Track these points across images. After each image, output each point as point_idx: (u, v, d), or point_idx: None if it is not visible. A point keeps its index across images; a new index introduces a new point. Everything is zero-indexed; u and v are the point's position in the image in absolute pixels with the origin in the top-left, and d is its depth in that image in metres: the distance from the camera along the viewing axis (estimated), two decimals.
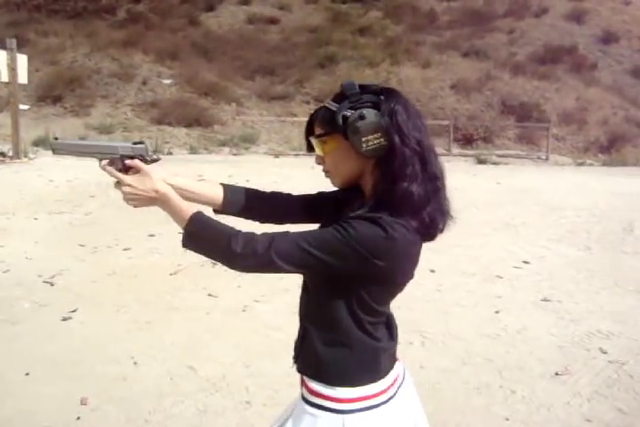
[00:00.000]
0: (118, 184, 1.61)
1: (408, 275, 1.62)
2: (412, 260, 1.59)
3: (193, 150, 16.97)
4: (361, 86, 1.56)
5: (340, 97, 1.56)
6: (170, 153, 16.56)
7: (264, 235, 1.52)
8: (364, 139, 1.49)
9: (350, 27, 27.97)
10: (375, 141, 1.49)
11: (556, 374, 3.96)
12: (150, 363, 3.91)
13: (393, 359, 1.71)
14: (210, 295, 5.16)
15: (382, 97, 1.53)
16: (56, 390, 3.52)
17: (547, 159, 18.63)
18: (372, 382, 1.62)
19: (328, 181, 1.68)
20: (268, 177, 11.60)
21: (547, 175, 14.95)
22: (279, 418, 1.79)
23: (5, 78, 12.49)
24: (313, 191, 1.91)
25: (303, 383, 1.69)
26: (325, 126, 1.59)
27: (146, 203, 1.62)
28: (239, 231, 1.53)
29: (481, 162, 16.78)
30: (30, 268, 5.91)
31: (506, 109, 22.93)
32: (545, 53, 26.32)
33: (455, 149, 19.29)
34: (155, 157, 1.67)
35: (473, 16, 29.26)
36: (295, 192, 1.93)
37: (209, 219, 1.58)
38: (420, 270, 5.44)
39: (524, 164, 17.33)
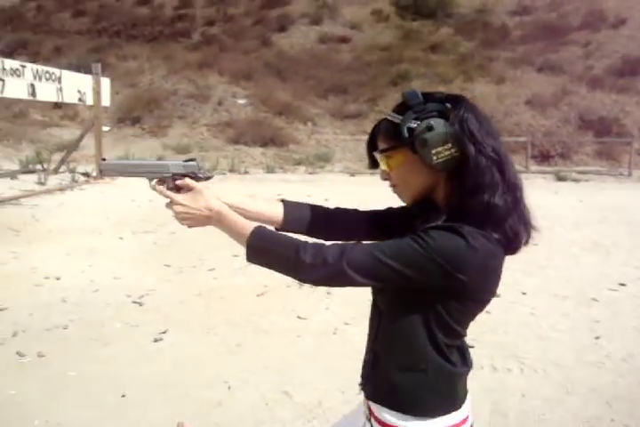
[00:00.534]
0: (170, 204, 1.56)
1: (490, 290, 1.50)
2: (494, 273, 1.47)
3: (269, 169, 17.10)
4: (424, 95, 1.46)
5: (402, 108, 1.47)
6: (246, 172, 16.76)
7: (335, 245, 1.45)
8: (434, 151, 1.40)
9: (422, 44, 27.88)
10: (446, 153, 1.40)
11: None
12: (244, 388, 3.86)
13: (466, 387, 1.61)
14: (299, 318, 5.10)
15: (449, 104, 1.43)
16: (153, 414, 3.51)
17: (629, 175, 17.96)
18: (447, 412, 1.52)
19: None
20: (346, 195, 11.55)
21: (631, 192, 14.40)
22: None
23: (90, 101, 12.92)
24: None
25: (371, 413, 1.59)
26: (390, 140, 1.49)
27: (200, 222, 1.56)
28: (306, 241, 1.46)
29: (560, 179, 16.30)
30: (118, 288, 5.99)
31: (584, 124, 22.27)
32: (623, 66, 25.49)
33: (533, 166, 18.83)
34: (208, 174, 1.61)
35: (546, 30, 28.68)
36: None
37: (272, 232, 1.53)
38: (512, 292, 5.33)
39: (606, 180, 16.75)
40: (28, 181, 11.77)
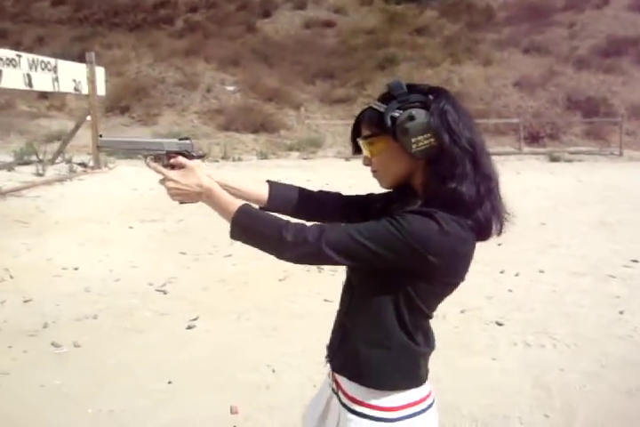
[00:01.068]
0: (163, 180, 1.60)
1: (459, 274, 1.56)
2: (464, 257, 1.54)
3: (263, 156, 17.06)
4: (408, 86, 1.53)
5: (387, 97, 1.54)
6: (239, 159, 16.70)
7: (315, 225, 1.51)
8: (413, 140, 1.47)
9: (407, 27, 27.80)
10: (425, 142, 1.47)
11: None
12: (289, 370, 3.89)
13: (427, 367, 1.67)
14: (326, 300, 5.12)
15: (431, 96, 1.50)
16: (203, 399, 3.53)
17: (620, 155, 18.11)
18: (407, 388, 1.59)
19: None
20: (345, 180, 11.53)
21: (626, 171, 14.54)
22: (313, 408, 1.81)
23: (85, 91, 12.78)
24: None
25: (339, 386, 1.66)
26: (373, 127, 1.56)
27: (191, 198, 1.61)
28: (289, 221, 1.52)
29: (554, 159, 16.42)
30: (139, 276, 5.98)
31: (572, 105, 22.39)
32: (609, 46, 25.57)
33: (525, 148, 18.92)
34: (201, 152, 1.67)
35: (530, 11, 28.67)
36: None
37: (257, 210, 1.59)
38: (530, 271, 5.42)
39: (598, 160, 16.91)
40: (26, 173, 11.64)
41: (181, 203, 1.65)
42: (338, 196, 1.87)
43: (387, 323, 1.55)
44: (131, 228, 8.03)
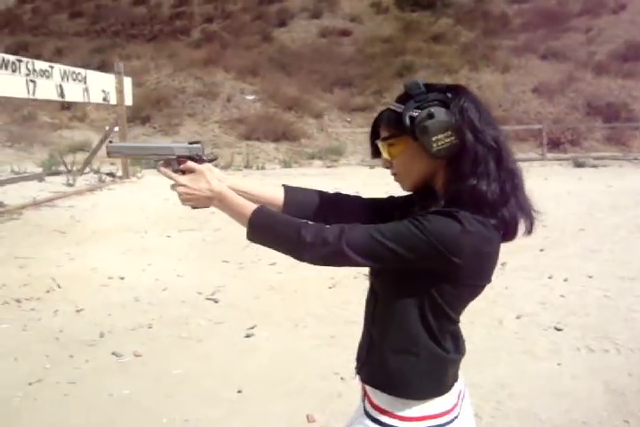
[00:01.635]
0: (174, 186, 1.58)
1: (484, 276, 1.52)
2: (488, 259, 1.49)
3: (286, 164, 17.07)
4: (426, 85, 1.49)
5: (404, 97, 1.50)
6: (263, 168, 16.72)
7: (335, 225, 1.47)
8: (434, 138, 1.43)
9: (423, 35, 27.85)
10: (446, 140, 1.43)
11: None
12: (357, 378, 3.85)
13: (456, 375, 1.62)
14: None
15: (449, 94, 1.45)
16: (277, 408, 3.50)
17: None
18: (436, 395, 1.54)
19: None
20: (374, 187, 11.50)
21: None
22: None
23: (114, 101, 12.86)
24: None
25: (366, 395, 1.62)
26: (392, 129, 1.52)
27: (202, 203, 1.58)
28: (307, 222, 1.49)
29: (579, 165, 16.32)
30: (186, 285, 5.97)
31: (592, 111, 22.31)
32: (627, 51, 25.45)
33: (547, 153, 18.85)
34: (212, 156, 1.64)
35: (546, 17, 28.63)
36: None
37: (274, 211, 1.56)
38: (578, 276, 5.36)
39: (623, 165, 16.78)
40: (56, 183, 11.70)
41: (194, 208, 1.62)
42: (357, 199, 1.82)
43: (412, 329, 1.51)
44: (168, 237, 8.04)
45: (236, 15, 30.50)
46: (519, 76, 24.12)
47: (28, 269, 6.47)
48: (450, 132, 1.42)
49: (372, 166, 15.41)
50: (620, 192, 11.47)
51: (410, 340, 1.52)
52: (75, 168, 12.76)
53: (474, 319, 4.86)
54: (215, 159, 1.64)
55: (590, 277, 6.08)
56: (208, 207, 1.60)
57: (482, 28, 28.34)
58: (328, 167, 17.14)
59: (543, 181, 12.82)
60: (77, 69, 11.69)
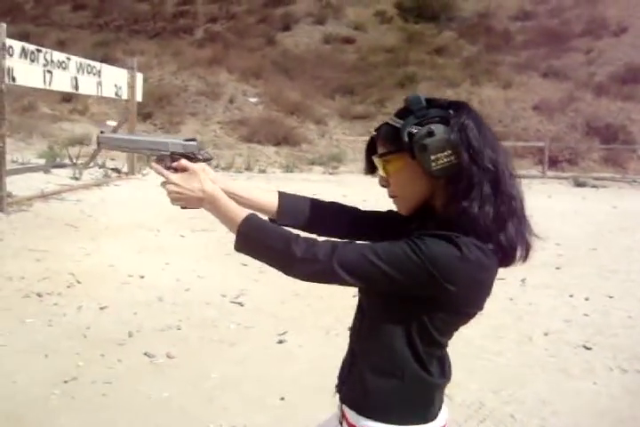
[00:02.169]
0: (164, 183, 1.50)
1: (478, 304, 1.46)
2: (483, 287, 1.43)
3: (288, 169, 17.03)
4: (427, 100, 1.43)
5: (404, 112, 1.44)
6: (263, 171, 16.66)
7: (327, 241, 1.42)
8: (433, 157, 1.36)
9: (426, 47, 27.93)
10: (445, 160, 1.37)
11: None
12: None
13: (442, 399, 1.55)
14: None
15: (451, 111, 1.40)
16: (324, 417, 3.45)
17: None
18: (421, 422, 1.47)
19: None
20: (382, 196, 11.50)
21: None
22: None
23: (125, 96, 12.77)
24: None
25: (344, 417, 1.55)
26: (389, 144, 1.46)
27: (192, 204, 1.50)
28: (299, 235, 1.42)
29: (579, 184, 16.41)
30: (208, 287, 5.92)
31: (590, 131, 22.47)
32: (626, 73, 25.71)
33: (547, 172, 18.97)
34: (207, 155, 1.55)
35: (548, 36, 28.85)
36: None
37: (265, 221, 1.49)
38: (598, 296, 5.38)
39: (622, 187, 16.91)
40: (61, 176, 11.59)
41: (183, 208, 1.55)
42: (354, 211, 1.75)
43: (398, 351, 1.44)
44: (182, 236, 7.97)
45: (241, 17, 30.41)
46: (520, 93, 24.25)
47: (44, 262, 6.39)
48: (450, 151, 1.36)
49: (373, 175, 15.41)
50: (626, 213, 11.56)
51: (394, 362, 1.46)
52: (79, 162, 12.63)
53: (502, 334, 4.87)
54: (211, 159, 1.56)
55: (611, 297, 6.10)
56: (198, 208, 1.52)
57: (484, 43, 28.48)
58: (330, 174, 17.12)
59: (547, 198, 12.88)
60: (93, 63, 11.59)
